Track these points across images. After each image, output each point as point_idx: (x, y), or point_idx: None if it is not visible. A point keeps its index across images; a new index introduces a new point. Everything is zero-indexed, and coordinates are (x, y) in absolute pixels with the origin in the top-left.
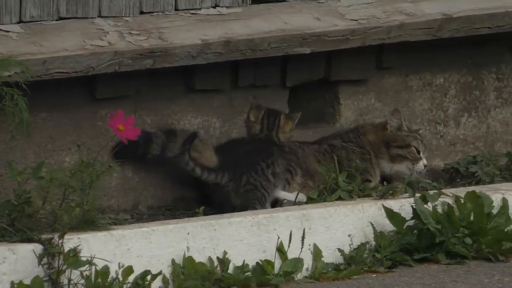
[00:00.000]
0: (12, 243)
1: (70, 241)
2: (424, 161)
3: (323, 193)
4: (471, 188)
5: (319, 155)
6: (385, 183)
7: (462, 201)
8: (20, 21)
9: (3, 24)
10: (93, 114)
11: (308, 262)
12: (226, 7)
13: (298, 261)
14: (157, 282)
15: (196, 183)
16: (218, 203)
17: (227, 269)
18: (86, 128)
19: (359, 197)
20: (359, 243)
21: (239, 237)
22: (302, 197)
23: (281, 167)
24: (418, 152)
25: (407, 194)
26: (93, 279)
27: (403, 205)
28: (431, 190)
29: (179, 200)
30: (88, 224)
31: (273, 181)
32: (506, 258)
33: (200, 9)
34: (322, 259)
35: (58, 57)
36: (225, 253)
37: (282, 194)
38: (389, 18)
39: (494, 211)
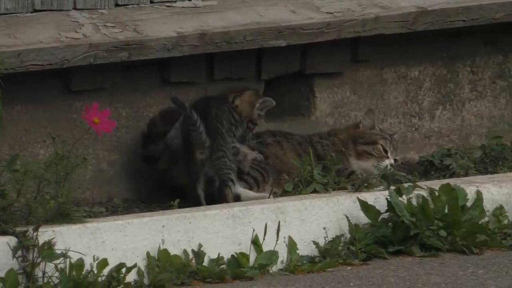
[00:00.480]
0: None
1: (45, 234)
2: (390, 161)
3: (298, 186)
4: (445, 181)
5: (300, 147)
6: None
7: (437, 194)
8: None
9: None
10: (68, 106)
11: (283, 254)
12: None
13: (273, 254)
14: (132, 274)
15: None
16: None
17: (202, 261)
18: (61, 121)
19: (334, 190)
20: (334, 236)
21: (214, 230)
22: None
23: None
24: (385, 151)
25: (382, 187)
26: (67, 272)
27: (378, 197)
28: (406, 182)
29: (154, 193)
30: (62, 217)
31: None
32: (480, 251)
33: (175, 1)
34: (297, 251)
35: (33, 49)
36: (200, 245)
37: (241, 191)
38: (364, 11)
39: (469, 204)
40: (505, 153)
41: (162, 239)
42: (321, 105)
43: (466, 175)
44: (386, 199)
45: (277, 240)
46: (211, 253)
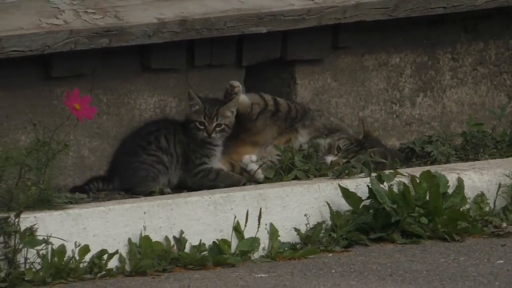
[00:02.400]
0: None
1: (26, 220)
2: (331, 158)
3: (280, 172)
4: (426, 168)
5: None
6: None
7: (418, 181)
8: None
9: None
10: (49, 93)
11: (264, 241)
12: None
13: (255, 241)
14: (114, 261)
15: None
16: None
17: (184, 248)
18: (42, 107)
19: (315, 176)
20: (316, 223)
21: (195, 217)
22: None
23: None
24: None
25: (363, 174)
26: (49, 258)
27: (359, 184)
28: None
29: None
30: (44, 203)
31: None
32: (462, 238)
33: None
34: (279, 238)
35: (14, 35)
36: (181, 232)
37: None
38: None
39: (450, 191)
40: (486, 140)
41: (143, 226)
42: (302, 92)
43: (447, 162)
44: (367, 186)
45: (258, 227)
46: (192, 239)
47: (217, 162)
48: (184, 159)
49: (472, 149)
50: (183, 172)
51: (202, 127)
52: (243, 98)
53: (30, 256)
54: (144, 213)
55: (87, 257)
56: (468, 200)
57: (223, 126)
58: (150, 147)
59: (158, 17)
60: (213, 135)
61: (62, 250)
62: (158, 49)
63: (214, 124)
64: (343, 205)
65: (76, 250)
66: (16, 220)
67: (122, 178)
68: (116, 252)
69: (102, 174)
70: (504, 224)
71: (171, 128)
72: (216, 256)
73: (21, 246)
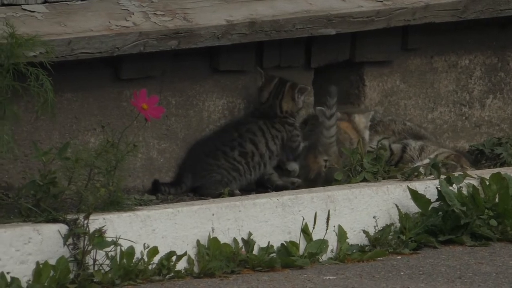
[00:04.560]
0: (37, 224)
1: (95, 221)
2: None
3: (348, 174)
4: (496, 170)
5: None
6: None
7: (487, 183)
8: (45, 1)
9: (28, 4)
10: (118, 94)
11: (332, 243)
12: None
13: (323, 243)
14: (182, 262)
15: None
16: None
17: (252, 250)
18: (111, 109)
19: (384, 178)
20: (384, 225)
21: (264, 218)
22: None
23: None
24: None
25: (432, 176)
26: (118, 259)
27: (428, 186)
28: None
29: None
30: (113, 204)
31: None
32: None
33: None
34: (347, 240)
35: (83, 37)
36: (250, 234)
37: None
38: None
39: None
40: None
41: (212, 228)
42: (370, 94)
43: None
44: (436, 188)
45: (326, 229)
46: (260, 241)
47: None
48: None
49: None
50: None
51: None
52: None
53: (99, 258)
54: (213, 214)
55: (156, 259)
56: None
57: None
58: (232, 153)
59: (227, 19)
60: None
61: (130, 251)
62: (227, 51)
63: None
64: (412, 207)
65: (145, 252)
66: (85, 221)
67: (195, 176)
68: (185, 253)
69: (171, 180)
70: None
71: (258, 128)
72: (284, 258)
73: (90, 247)
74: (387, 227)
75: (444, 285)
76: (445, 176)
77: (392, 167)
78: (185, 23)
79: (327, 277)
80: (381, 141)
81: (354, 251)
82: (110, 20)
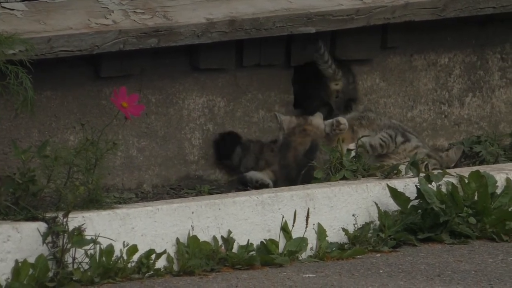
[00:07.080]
0: (16, 222)
1: (75, 219)
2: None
3: (328, 172)
4: (475, 168)
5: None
6: None
7: (466, 181)
8: None
9: (7, 2)
10: (97, 92)
11: (312, 241)
12: None
13: (303, 241)
14: (162, 261)
15: None
16: None
17: (232, 248)
18: (91, 107)
19: (363, 176)
20: (364, 223)
21: (243, 216)
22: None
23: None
24: None
25: (411, 174)
26: (97, 257)
27: (408, 184)
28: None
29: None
30: (92, 203)
31: None
32: (510, 238)
33: None
34: (327, 238)
35: (63, 35)
36: (229, 232)
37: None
38: None
39: (498, 191)
40: None
41: (191, 226)
42: None
43: (496, 162)
44: (416, 186)
45: (306, 227)
46: (240, 239)
47: None
48: None
49: None
50: None
51: None
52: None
53: (78, 256)
54: (192, 213)
55: (135, 257)
56: None
57: None
58: None
59: (207, 17)
60: None
61: (110, 249)
62: (207, 49)
63: None
64: (391, 205)
65: (124, 250)
66: (65, 220)
67: None
68: (164, 252)
69: None
70: None
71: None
72: (264, 256)
73: (69, 246)
74: (366, 225)
75: (423, 282)
76: (424, 174)
77: (372, 164)
78: (165, 21)
79: (307, 275)
80: (361, 139)
81: (334, 249)
82: (89, 18)
